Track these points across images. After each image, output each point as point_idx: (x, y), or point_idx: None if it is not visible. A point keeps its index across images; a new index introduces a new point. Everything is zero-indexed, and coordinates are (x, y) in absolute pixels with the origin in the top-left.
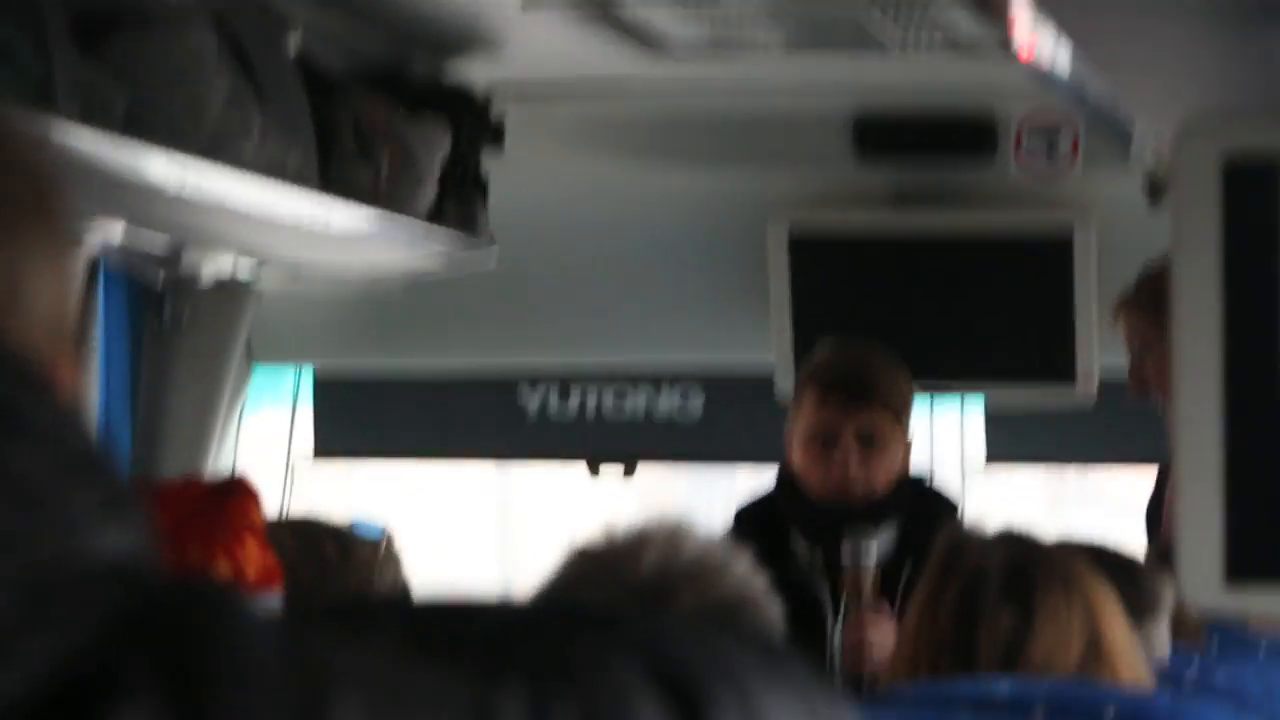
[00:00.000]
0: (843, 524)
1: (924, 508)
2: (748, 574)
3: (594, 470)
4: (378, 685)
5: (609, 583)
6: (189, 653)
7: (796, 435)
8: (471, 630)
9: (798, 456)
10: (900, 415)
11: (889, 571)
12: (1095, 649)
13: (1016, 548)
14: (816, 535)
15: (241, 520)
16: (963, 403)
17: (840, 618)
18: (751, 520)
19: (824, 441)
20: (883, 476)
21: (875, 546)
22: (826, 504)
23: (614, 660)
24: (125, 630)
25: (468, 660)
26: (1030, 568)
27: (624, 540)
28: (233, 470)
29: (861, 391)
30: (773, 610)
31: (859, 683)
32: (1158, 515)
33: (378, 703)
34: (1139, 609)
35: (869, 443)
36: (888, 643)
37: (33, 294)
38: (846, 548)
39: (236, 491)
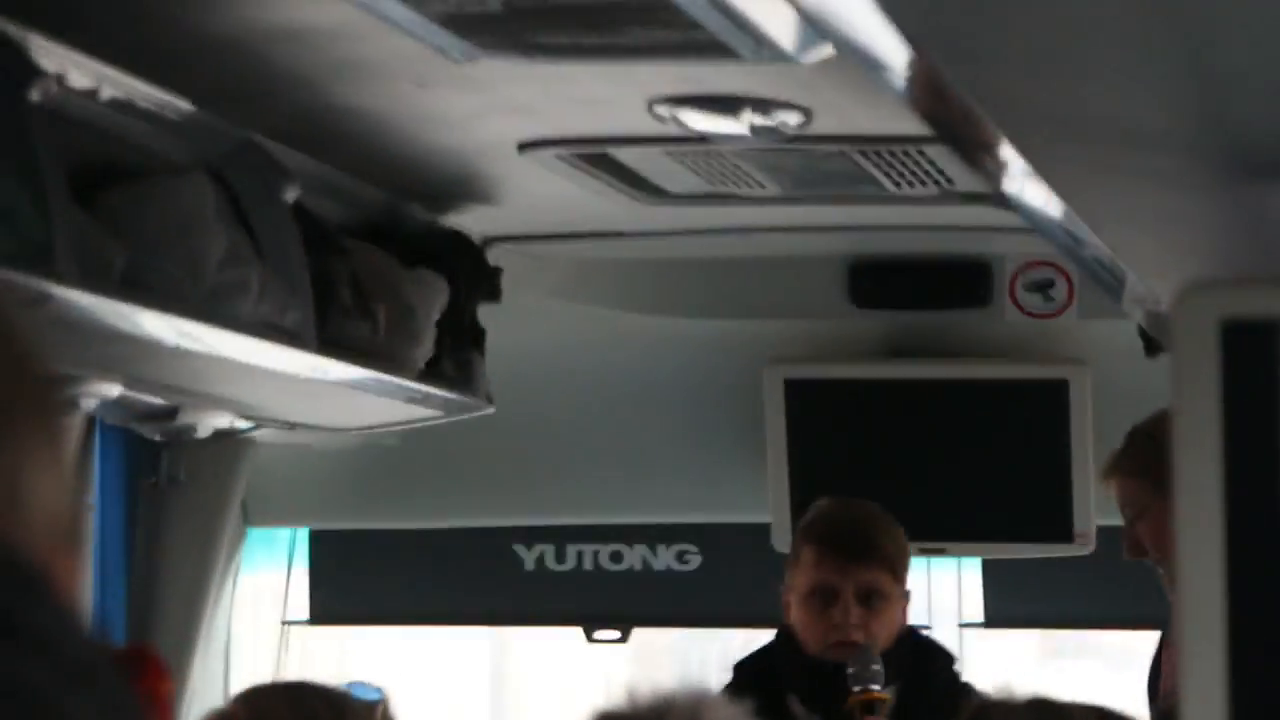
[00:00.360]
0: (841, 685)
1: (922, 665)
2: None
3: (589, 637)
4: None
5: None
6: None
7: (795, 593)
8: None
9: (796, 614)
10: (898, 572)
11: None
12: None
13: (1043, 713)
14: (814, 696)
15: (153, 697)
16: (960, 561)
17: None
18: (749, 675)
19: (823, 599)
20: (883, 634)
21: (877, 662)
22: (825, 664)
23: None
24: None
25: None
26: None
27: (647, 707)
28: (228, 633)
29: (861, 549)
30: None
31: None
32: (1158, 682)
33: None
34: None
35: (868, 601)
36: None
37: (32, 494)
38: (852, 670)
39: (144, 665)
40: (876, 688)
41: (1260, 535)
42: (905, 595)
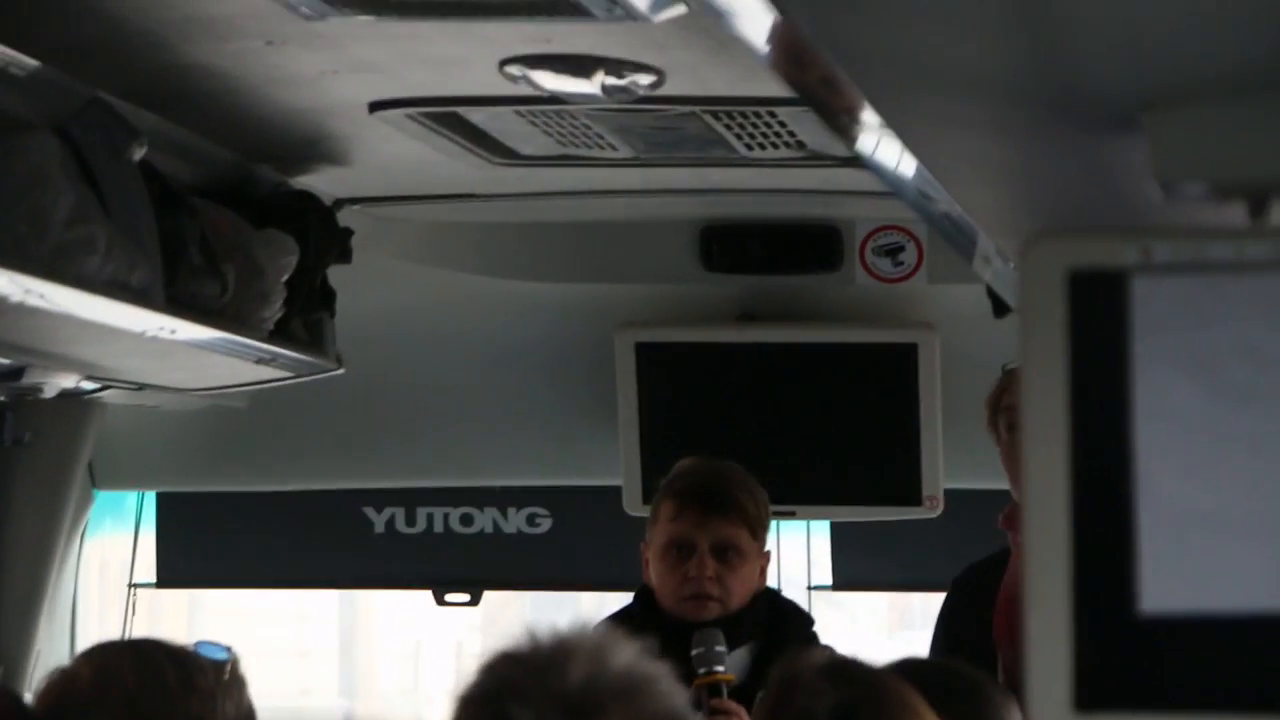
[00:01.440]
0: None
1: (779, 627)
2: (673, 689)
3: (440, 600)
4: None
5: (537, 692)
6: None
7: (653, 548)
8: None
9: (654, 569)
10: (756, 529)
11: (743, 693)
12: None
13: (847, 687)
14: (670, 654)
15: None
16: (809, 525)
17: None
18: None
19: (679, 552)
20: (738, 591)
21: (721, 643)
22: (681, 621)
23: None
24: None
25: None
26: (859, 708)
27: (548, 648)
28: (74, 595)
29: (718, 503)
30: None
31: None
32: (947, 628)
33: None
34: None
35: (724, 555)
36: None
37: None
38: (697, 651)
39: None
40: (720, 669)
41: (1108, 490)
42: (764, 555)
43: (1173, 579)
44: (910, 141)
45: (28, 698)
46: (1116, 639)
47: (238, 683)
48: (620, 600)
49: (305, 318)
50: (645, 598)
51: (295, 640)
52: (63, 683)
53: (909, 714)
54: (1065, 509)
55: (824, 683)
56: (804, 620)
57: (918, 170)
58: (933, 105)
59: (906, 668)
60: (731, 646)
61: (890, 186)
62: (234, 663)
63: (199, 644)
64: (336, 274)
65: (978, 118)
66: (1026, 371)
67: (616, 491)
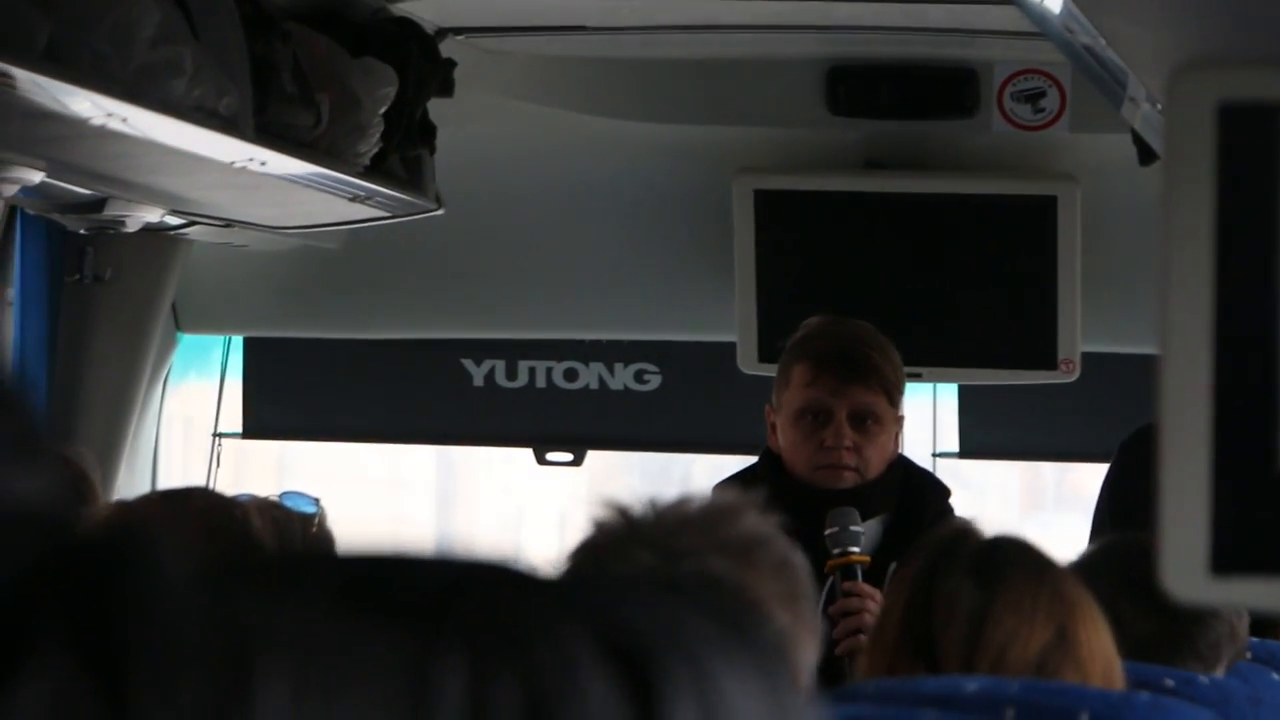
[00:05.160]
0: (823, 513)
1: (914, 496)
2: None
3: (540, 459)
4: (306, 648)
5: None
6: (106, 612)
7: (784, 414)
8: (410, 589)
9: (784, 435)
10: (893, 395)
11: (875, 564)
12: (1063, 639)
13: (992, 539)
14: (800, 521)
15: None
16: (935, 388)
17: (822, 605)
18: None
19: (814, 420)
20: (875, 460)
21: (858, 523)
22: (813, 489)
23: (562, 628)
24: (39, 585)
25: (405, 623)
26: (1000, 551)
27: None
28: (155, 443)
29: (856, 368)
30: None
31: (851, 665)
32: (1112, 499)
33: (305, 666)
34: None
35: (862, 423)
36: None
37: None
38: (831, 530)
39: None
40: (856, 550)
41: (1252, 342)
42: (899, 421)
43: None
44: None
45: None
46: (1255, 500)
47: (325, 538)
48: (734, 464)
49: (403, 154)
50: (771, 463)
51: (390, 505)
52: (124, 514)
53: (1050, 568)
54: (1207, 361)
55: (973, 534)
56: (939, 491)
57: (1063, 3)
58: None
59: (1115, 549)
60: (864, 517)
61: (1033, 21)
62: (321, 516)
63: (285, 494)
64: (438, 108)
65: None
66: (1168, 211)
67: (730, 348)
